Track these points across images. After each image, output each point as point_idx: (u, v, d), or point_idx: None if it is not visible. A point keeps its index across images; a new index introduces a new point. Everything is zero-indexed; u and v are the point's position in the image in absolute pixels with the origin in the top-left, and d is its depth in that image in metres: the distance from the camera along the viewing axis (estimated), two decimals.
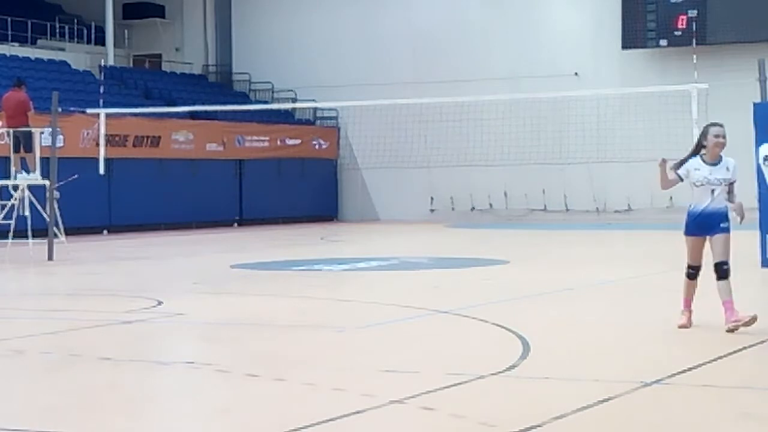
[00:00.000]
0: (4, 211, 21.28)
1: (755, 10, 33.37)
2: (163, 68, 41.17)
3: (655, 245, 24.34)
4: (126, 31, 41.42)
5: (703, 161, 10.49)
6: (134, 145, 31.79)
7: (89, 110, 25.57)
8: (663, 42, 34.80)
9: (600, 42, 36.13)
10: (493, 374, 8.37)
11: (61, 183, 21.46)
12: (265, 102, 37.85)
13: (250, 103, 37.60)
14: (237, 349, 10.15)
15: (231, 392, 8.12)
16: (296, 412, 7.32)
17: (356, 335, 10.99)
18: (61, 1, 42.37)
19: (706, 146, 10.49)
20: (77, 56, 37.80)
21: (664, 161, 10.64)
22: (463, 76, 36.23)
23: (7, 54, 34.83)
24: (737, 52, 32.66)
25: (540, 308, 12.86)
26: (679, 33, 34.15)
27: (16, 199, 21.30)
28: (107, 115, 24.71)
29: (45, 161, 21.70)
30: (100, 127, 24.13)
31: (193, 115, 33.46)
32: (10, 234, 21.16)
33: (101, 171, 24.02)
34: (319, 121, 39.54)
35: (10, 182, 21.66)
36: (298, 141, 37.38)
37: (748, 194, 12.69)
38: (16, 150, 21.63)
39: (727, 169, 10.48)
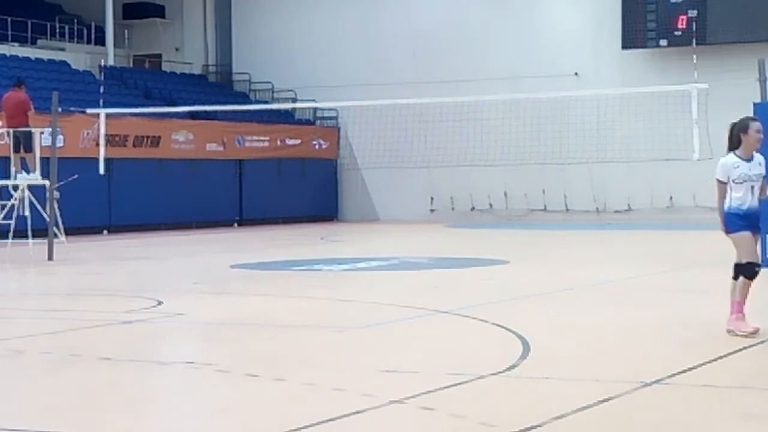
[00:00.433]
0: (4, 211, 21.27)
1: (755, 10, 33.35)
2: (163, 68, 41.16)
3: (655, 245, 24.36)
4: (126, 31, 41.42)
5: (738, 157, 10.13)
6: (134, 145, 31.78)
7: (89, 110, 25.55)
8: (663, 42, 34.79)
9: (600, 42, 36.11)
10: (493, 374, 8.37)
11: (61, 183, 21.45)
12: (265, 102, 37.86)
13: (250, 103, 37.61)
14: (237, 349, 10.14)
15: (231, 392, 8.12)
16: (296, 412, 7.32)
17: (356, 335, 10.98)
18: (61, 1, 42.38)
19: (744, 141, 10.11)
20: (77, 56, 37.79)
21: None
22: (463, 76, 36.22)
23: (7, 54, 34.83)
24: (737, 52, 32.63)
25: (540, 308, 12.86)
26: (679, 33, 34.13)
27: (16, 199, 21.29)
28: (107, 115, 24.68)
29: (45, 161, 21.70)
30: (100, 127, 24.10)
31: (193, 115, 33.44)
32: (10, 234, 21.15)
33: (101, 171, 23.99)
34: (319, 121, 39.53)
35: (10, 182, 21.65)
36: (298, 141, 37.36)
37: None
38: (16, 150, 21.62)
39: (760, 164, 10.19)
